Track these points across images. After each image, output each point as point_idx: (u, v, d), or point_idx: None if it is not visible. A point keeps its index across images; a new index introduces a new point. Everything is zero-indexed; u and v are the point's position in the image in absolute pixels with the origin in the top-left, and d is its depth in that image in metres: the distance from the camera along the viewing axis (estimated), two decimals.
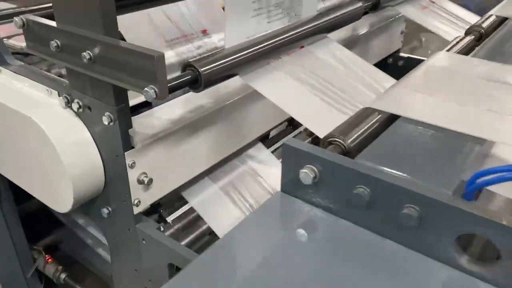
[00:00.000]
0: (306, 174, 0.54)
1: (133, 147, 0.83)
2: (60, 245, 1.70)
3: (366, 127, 0.63)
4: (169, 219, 1.05)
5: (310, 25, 0.94)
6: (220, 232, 1.05)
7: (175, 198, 1.10)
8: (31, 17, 0.80)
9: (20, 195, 1.37)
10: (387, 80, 0.93)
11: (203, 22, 1.12)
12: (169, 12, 1.03)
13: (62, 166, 0.82)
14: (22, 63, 0.96)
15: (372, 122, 0.65)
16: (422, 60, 1.75)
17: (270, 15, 0.85)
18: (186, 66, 0.74)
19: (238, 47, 0.80)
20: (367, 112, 0.68)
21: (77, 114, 0.86)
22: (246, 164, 1.21)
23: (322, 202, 0.56)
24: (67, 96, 0.85)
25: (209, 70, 0.74)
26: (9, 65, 0.97)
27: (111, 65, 0.70)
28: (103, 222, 0.96)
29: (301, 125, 1.54)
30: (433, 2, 1.44)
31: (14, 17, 0.81)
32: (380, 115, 0.66)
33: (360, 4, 1.10)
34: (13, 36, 1.21)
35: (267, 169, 1.22)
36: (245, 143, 1.13)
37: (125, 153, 0.82)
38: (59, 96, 0.88)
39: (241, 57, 0.79)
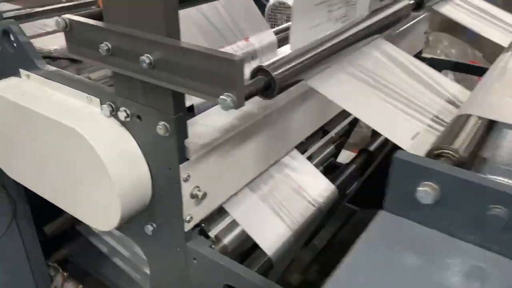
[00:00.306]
0: (426, 192, 0.48)
1: (187, 159, 0.76)
2: (71, 258, 1.62)
3: (472, 136, 0.57)
4: (212, 233, 0.99)
5: (368, 25, 0.88)
6: (266, 247, 0.98)
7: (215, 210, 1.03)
8: (75, 17, 0.73)
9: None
10: (450, 84, 0.88)
11: (243, 26, 1.05)
12: (211, 18, 0.97)
13: (110, 181, 0.75)
14: (54, 68, 0.88)
15: (475, 130, 0.59)
16: (446, 61, 1.73)
17: (331, 3, 0.79)
18: (256, 71, 0.67)
19: (305, 48, 0.74)
20: (462, 120, 0.62)
21: (123, 123, 0.78)
22: (283, 172, 1.15)
23: (442, 224, 0.50)
24: (112, 104, 0.78)
25: (281, 75, 0.67)
26: (39, 70, 0.89)
27: (176, 70, 0.63)
28: (145, 240, 0.89)
29: (331, 130, 1.48)
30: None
31: (56, 18, 0.73)
32: (480, 122, 0.61)
33: (407, 2, 1.04)
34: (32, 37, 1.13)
35: (306, 178, 1.16)
36: (288, 150, 1.07)
37: (180, 165, 0.74)
38: (101, 104, 0.80)
39: (311, 59, 0.72)
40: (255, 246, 1.01)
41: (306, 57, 0.72)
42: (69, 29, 0.73)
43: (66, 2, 1.79)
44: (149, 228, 0.85)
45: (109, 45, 0.69)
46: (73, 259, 1.58)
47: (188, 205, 0.79)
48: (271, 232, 1.01)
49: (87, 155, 0.75)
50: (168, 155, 0.75)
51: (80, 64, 0.99)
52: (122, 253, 1.40)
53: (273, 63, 0.68)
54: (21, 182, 0.96)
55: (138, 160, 0.78)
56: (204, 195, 0.79)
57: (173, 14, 0.64)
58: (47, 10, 1.51)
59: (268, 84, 0.66)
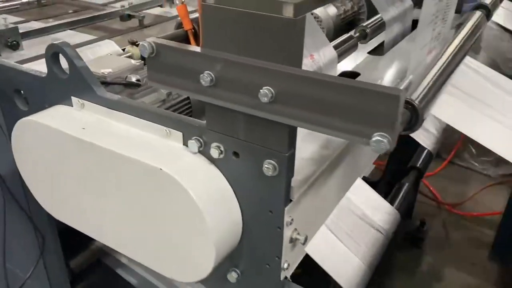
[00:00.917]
0: None
1: (291, 200, 0.67)
2: None
3: None
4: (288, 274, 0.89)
5: (463, 43, 0.81)
6: (345, 284, 0.89)
7: None
8: (164, 41, 0.62)
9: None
10: None
11: (306, 42, 0.97)
12: None
13: (205, 228, 0.65)
14: (118, 96, 0.77)
15: None
16: None
17: (436, 21, 0.73)
18: None
19: (427, 73, 0.66)
20: None
21: (213, 160, 0.68)
22: (346, 197, 1.06)
23: None
24: (200, 138, 0.68)
25: (422, 105, 0.58)
26: (97, 98, 0.77)
27: (305, 105, 0.54)
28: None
29: None
30: None
31: (141, 43, 0.62)
32: None
33: (480, 13, 0.98)
34: None
35: (369, 204, 1.08)
36: (360, 175, 0.99)
37: (285, 208, 0.65)
38: (184, 138, 0.70)
39: (437, 85, 0.64)
40: None
41: (433, 82, 0.64)
42: (155, 55, 0.63)
43: (72, 13, 1.67)
44: (233, 276, 0.75)
45: (213, 75, 0.59)
46: None
47: (287, 251, 0.70)
48: (347, 267, 0.93)
49: (177, 199, 0.65)
50: (271, 197, 0.66)
51: (133, 88, 0.88)
52: (158, 286, 1.29)
53: (405, 90, 0.60)
54: (73, 225, 0.84)
55: (230, 203, 0.69)
56: (306, 239, 0.70)
57: (300, 38, 0.55)
58: (61, 24, 1.39)
59: (409, 118, 0.58)
